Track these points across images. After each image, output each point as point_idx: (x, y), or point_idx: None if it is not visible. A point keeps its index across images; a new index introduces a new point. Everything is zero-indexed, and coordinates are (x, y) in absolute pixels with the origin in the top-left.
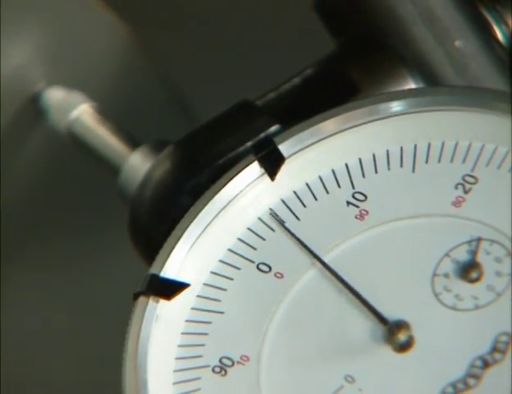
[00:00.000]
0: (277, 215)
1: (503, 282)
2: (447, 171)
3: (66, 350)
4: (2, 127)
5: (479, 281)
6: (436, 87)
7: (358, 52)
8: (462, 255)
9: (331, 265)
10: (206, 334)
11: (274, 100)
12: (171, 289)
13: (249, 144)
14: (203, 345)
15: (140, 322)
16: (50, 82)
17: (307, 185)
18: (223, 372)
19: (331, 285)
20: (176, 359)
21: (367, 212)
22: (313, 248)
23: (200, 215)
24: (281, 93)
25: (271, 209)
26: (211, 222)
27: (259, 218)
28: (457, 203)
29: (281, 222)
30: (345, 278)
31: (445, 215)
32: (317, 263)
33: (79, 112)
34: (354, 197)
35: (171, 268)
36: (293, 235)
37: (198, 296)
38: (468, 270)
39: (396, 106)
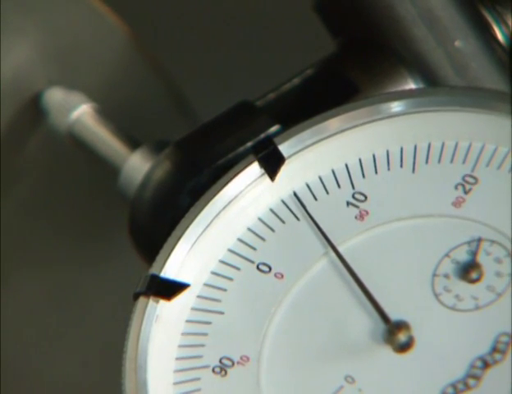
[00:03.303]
0: (299, 198)
1: (503, 283)
2: (447, 172)
3: (65, 350)
4: (2, 127)
5: (479, 281)
6: (436, 87)
7: (358, 53)
8: (462, 256)
9: (332, 265)
10: (206, 334)
11: (274, 100)
12: (171, 289)
13: (249, 144)
14: (203, 345)
15: (140, 323)
16: (50, 82)
17: (307, 185)
18: (223, 372)
19: (332, 284)
20: (176, 359)
21: (367, 212)
22: (312, 248)
23: (200, 215)
24: (281, 94)
25: (294, 192)
26: (211, 222)
27: (259, 219)
28: (457, 203)
29: (303, 206)
30: (345, 278)
31: (445, 215)
32: (319, 263)
33: (79, 112)
34: (354, 197)
35: (171, 269)
36: (313, 220)
37: (198, 297)
38: (469, 270)
39: (396, 106)
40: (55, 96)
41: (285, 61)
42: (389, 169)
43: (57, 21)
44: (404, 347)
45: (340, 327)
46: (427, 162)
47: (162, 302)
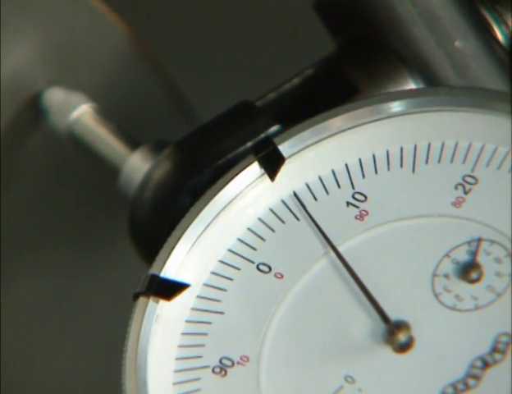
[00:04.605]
0: (299, 198)
1: (503, 283)
2: (447, 172)
3: (65, 350)
4: (2, 127)
5: (479, 281)
6: (436, 87)
7: (358, 53)
8: (462, 256)
9: (332, 265)
10: (206, 334)
11: (274, 100)
12: (171, 289)
13: (249, 144)
14: (203, 345)
15: (140, 323)
16: (50, 82)
17: (307, 185)
18: (223, 372)
19: (332, 284)
20: (176, 359)
21: (367, 212)
22: (312, 248)
23: (200, 215)
24: (281, 94)
25: (294, 192)
26: (211, 222)
27: (259, 219)
28: (457, 203)
29: (303, 206)
30: (345, 278)
31: (445, 215)
32: (319, 263)
33: (79, 112)
34: (353, 197)
35: (171, 269)
36: (313, 220)
37: (198, 297)
38: (468, 270)
39: (396, 106)
40: (55, 96)
41: (285, 61)
42: (389, 169)
43: (57, 21)
44: (404, 347)
45: (340, 327)
46: (427, 162)
47: (162, 302)
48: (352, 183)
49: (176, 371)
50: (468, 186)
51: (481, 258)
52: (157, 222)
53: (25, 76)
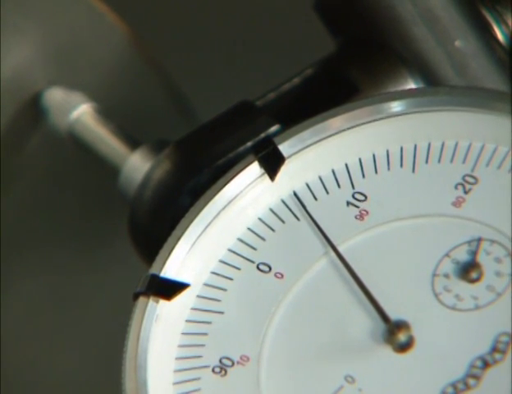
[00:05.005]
0: (300, 198)
1: (503, 282)
2: (447, 172)
3: (65, 349)
4: (2, 127)
5: (479, 281)
6: (436, 87)
7: (358, 52)
8: (462, 255)
9: (332, 265)
10: (206, 334)
11: (274, 100)
12: (171, 289)
13: (249, 144)
14: (203, 345)
15: (140, 323)
16: (50, 82)
17: (307, 185)
18: (223, 372)
19: (332, 284)
20: (176, 359)
21: (367, 212)
22: (312, 248)
23: (200, 215)
24: (281, 93)
25: (294, 192)
26: (211, 222)
27: (259, 218)
28: (457, 203)
29: (303, 206)
30: (345, 278)
31: (445, 215)
32: (319, 262)
33: (79, 112)
34: (353, 197)
35: (171, 268)
36: (313, 220)
37: (198, 296)
38: (468, 270)
39: (396, 106)
40: (55, 96)
41: (285, 61)
42: (389, 169)
43: (57, 21)
44: (404, 347)
45: (340, 327)
46: (427, 161)
47: (162, 302)
48: (352, 183)
49: (176, 371)
50: (468, 186)
51: (481, 258)
52: (157, 222)
53: (25, 76)
